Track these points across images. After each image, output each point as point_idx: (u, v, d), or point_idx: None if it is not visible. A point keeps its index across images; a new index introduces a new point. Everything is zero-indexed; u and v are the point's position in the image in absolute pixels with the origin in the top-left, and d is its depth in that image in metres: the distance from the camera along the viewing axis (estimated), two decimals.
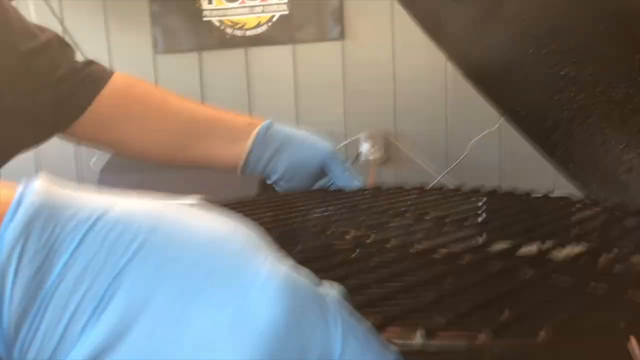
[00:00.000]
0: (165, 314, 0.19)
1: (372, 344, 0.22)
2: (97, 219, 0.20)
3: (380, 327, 0.24)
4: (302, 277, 0.22)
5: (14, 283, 0.19)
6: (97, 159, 2.12)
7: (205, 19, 2.18)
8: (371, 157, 2.16)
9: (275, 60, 2.19)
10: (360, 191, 0.61)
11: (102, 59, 2.31)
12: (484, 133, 2.01)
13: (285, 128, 0.65)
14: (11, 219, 0.19)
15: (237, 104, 2.21)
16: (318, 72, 2.17)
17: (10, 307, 0.19)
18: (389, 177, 2.15)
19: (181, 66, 2.22)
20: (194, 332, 0.19)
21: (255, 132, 0.63)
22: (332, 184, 0.65)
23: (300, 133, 0.66)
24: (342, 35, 2.12)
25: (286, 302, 0.20)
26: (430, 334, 0.23)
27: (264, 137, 0.63)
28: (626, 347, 0.22)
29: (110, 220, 0.20)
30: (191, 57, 2.22)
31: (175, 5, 2.17)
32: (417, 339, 0.23)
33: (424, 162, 2.11)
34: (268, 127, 0.64)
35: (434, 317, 0.24)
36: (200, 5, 2.17)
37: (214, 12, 2.18)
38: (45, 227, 0.20)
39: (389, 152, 2.17)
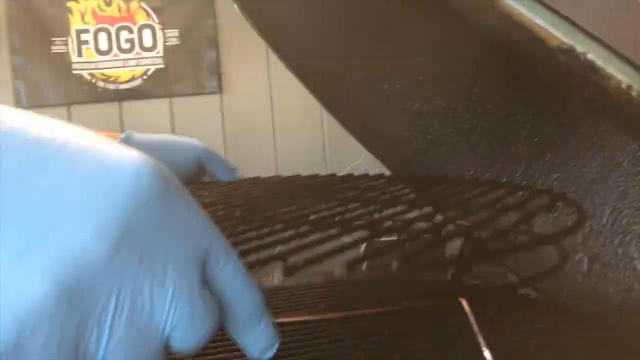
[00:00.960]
0: (20, 163, 0.18)
1: (235, 257, 0.21)
2: None
3: None
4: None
5: None
6: None
7: (74, 72, 2.09)
8: None
9: (151, 114, 2.14)
10: (237, 181, 0.61)
11: None
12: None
13: (146, 135, 0.62)
14: None
15: None
16: (197, 126, 2.15)
17: None
18: None
19: None
20: (50, 180, 0.18)
21: None
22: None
23: (166, 137, 0.64)
24: (220, 88, 2.13)
25: (150, 170, 0.19)
26: (288, 272, 0.23)
27: None
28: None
29: None
30: (60, 112, 2.10)
31: (40, 58, 2.07)
32: (276, 277, 0.23)
33: None
34: (127, 138, 0.61)
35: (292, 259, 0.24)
36: (69, 58, 2.09)
37: (84, 66, 2.10)
38: None
39: None
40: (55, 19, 2.06)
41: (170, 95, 2.13)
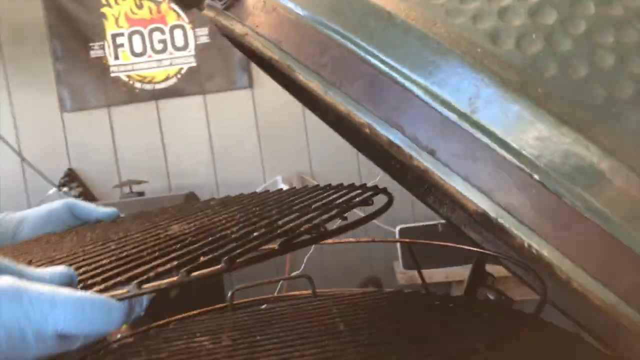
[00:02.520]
0: None
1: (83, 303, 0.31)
2: None
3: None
4: None
5: None
6: None
7: (112, 74, 2.19)
8: None
9: (187, 111, 2.22)
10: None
11: (6, 120, 2.23)
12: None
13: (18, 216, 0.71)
14: None
15: (151, 155, 2.21)
16: (230, 121, 2.22)
17: None
18: None
19: (91, 123, 2.21)
20: None
21: None
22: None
23: (30, 213, 0.72)
24: (250, 84, 2.19)
25: None
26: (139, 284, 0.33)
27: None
28: None
29: None
30: (100, 114, 2.21)
31: (80, 64, 2.17)
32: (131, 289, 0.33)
33: None
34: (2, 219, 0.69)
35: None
36: (107, 61, 2.18)
37: (121, 68, 2.19)
38: None
39: None
40: (91, 25, 2.15)
41: (204, 92, 2.21)
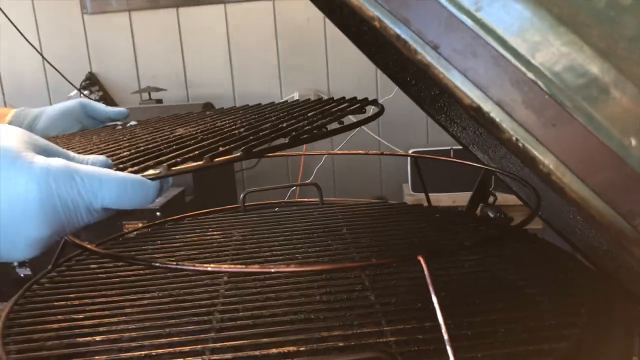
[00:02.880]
0: None
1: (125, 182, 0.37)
2: None
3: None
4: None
5: None
6: None
7: None
8: None
9: (207, 19, 2.19)
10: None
11: (28, 21, 2.23)
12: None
13: (36, 111, 0.74)
14: None
15: (170, 63, 2.21)
16: (250, 32, 2.19)
17: None
18: None
19: (111, 26, 2.20)
20: None
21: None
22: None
23: (47, 109, 0.74)
24: None
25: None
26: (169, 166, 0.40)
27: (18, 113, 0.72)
28: None
29: None
30: (121, 18, 2.19)
31: None
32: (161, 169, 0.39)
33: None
34: (20, 113, 0.73)
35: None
36: None
37: None
38: None
39: None
40: None
41: (225, 1, 2.16)
